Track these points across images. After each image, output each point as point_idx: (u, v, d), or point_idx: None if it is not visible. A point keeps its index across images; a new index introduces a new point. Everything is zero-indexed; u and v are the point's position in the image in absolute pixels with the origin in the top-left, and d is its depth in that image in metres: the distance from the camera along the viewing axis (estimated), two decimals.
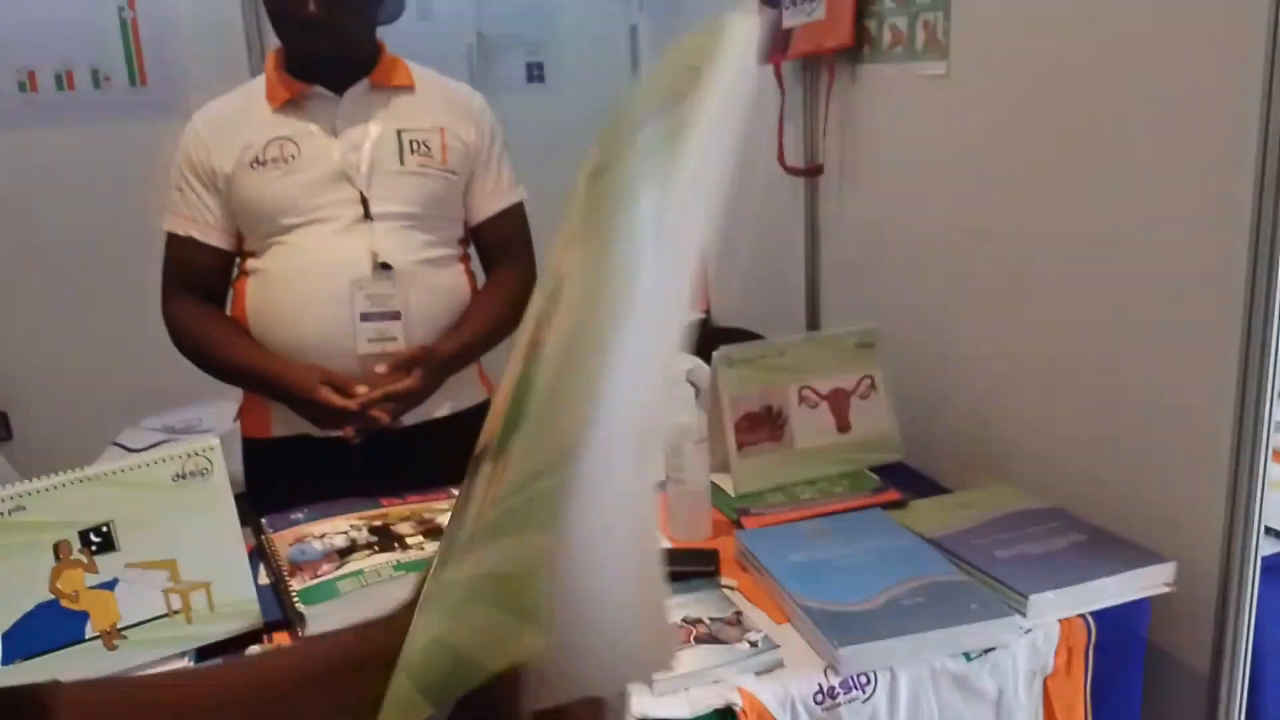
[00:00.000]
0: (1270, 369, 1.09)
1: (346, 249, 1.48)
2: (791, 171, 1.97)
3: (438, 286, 1.53)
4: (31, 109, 2.35)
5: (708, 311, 2.53)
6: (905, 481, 1.47)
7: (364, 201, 1.48)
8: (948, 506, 1.34)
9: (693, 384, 1.50)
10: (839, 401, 1.53)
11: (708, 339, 2.30)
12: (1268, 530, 1.14)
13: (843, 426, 1.52)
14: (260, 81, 1.55)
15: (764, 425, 1.48)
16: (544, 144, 2.66)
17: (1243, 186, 1.07)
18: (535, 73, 2.79)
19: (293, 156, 1.48)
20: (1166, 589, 1.14)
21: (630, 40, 2.81)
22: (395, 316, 1.49)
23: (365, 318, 1.48)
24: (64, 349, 2.46)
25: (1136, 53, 1.21)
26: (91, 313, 2.39)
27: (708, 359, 1.65)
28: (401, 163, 1.51)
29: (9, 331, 2.39)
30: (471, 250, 1.65)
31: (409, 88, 1.56)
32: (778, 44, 1.93)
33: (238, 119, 1.52)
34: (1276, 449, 1.14)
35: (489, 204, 1.61)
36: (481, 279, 1.63)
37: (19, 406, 2.53)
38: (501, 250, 1.63)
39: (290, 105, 1.50)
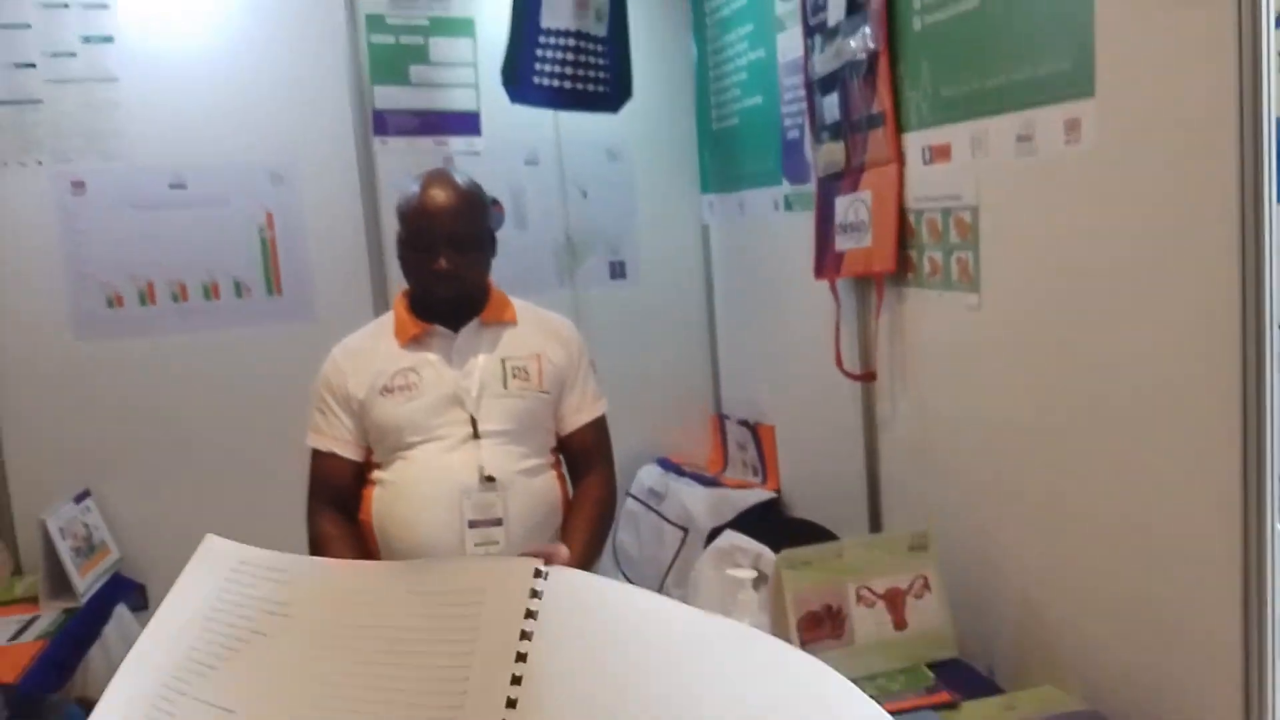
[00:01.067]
0: (1270, 601, 1.23)
1: (457, 463, 1.72)
2: (849, 376, 2.18)
3: (534, 493, 1.76)
4: (181, 316, 2.70)
5: (778, 491, 2.72)
6: (959, 677, 1.61)
7: (473, 422, 1.74)
8: (995, 709, 1.47)
9: (758, 570, 1.67)
10: (895, 600, 1.68)
11: (776, 524, 2.49)
12: None
13: (899, 624, 1.67)
14: (389, 319, 1.84)
15: (825, 623, 1.65)
16: (626, 333, 2.96)
17: (1232, 412, 1.24)
18: (618, 270, 3.09)
19: (415, 385, 1.76)
20: None
21: (702, 238, 3.11)
22: (498, 522, 1.71)
23: (472, 524, 1.71)
24: (196, 526, 2.73)
25: (1128, 271, 1.41)
26: (224, 495, 2.67)
27: (775, 544, 1.83)
28: (505, 387, 1.78)
29: (152, 513, 2.67)
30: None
31: (513, 322, 1.84)
32: (831, 263, 2.17)
33: (370, 352, 1.81)
34: None
35: (577, 417, 1.86)
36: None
37: (157, 581, 2.81)
38: (587, 457, 1.86)
39: (414, 341, 1.79)
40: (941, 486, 1.94)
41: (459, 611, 0.62)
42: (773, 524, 2.43)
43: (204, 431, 2.69)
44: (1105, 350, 1.47)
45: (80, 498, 2.52)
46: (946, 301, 1.85)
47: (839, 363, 2.19)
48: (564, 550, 1.61)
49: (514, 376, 1.79)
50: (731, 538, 2.10)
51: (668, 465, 2.96)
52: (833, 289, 2.20)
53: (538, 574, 0.63)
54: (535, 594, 0.62)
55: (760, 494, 2.68)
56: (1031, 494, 1.68)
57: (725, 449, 3.01)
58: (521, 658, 0.59)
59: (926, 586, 1.70)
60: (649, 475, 2.94)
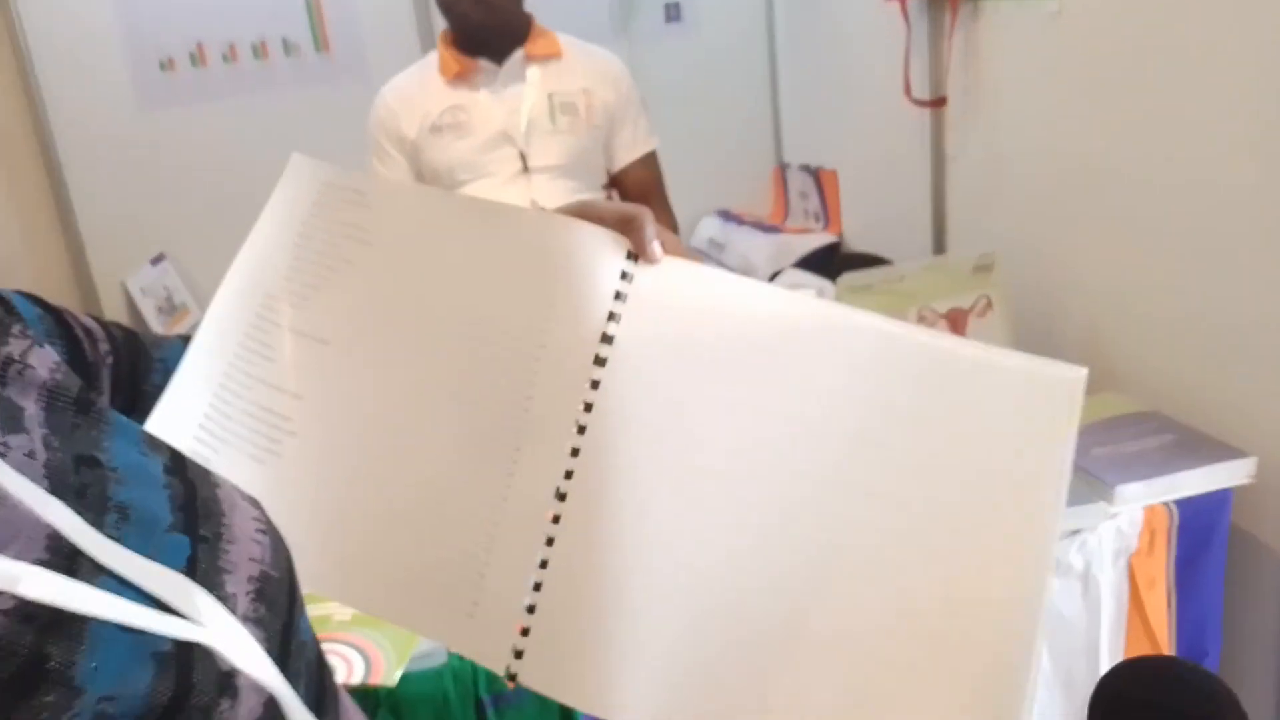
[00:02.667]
0: None
1: (510, 198, 1.72)
2: (918, 103, 2.09)
3: None
4: (234, 79, 2.67)
5: (839, 235, 2.69)
6: None
7: (523, 157, 1.72)
8: None
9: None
10: (957, 320, 1.68)
11: (838, 263, 2.47)
12: None
13: None
14: (433, 58, 1.79)
15: None
16: (683, 82, 2.85)
17: None
18: (673, 12, 2.94)
19: (464, 124, 1.73)
20: (1248, 480, 1.27)
21: None
22: None
23: None
24: None
25: None
26: None
27: (837, 280, 1.82)
28: (553, 122, 1.74)
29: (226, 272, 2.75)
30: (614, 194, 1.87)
31: (557, 56, 1.78)
32: None
33: (418, 91, 1.77)
34: None
35: (627, 153, 1.83)
36: None
37: None
38: (642, 192, 1.84)
39: (459, 78, 1.74)
40: (1010, 216, 1.89)
41: (539, 275, 0.61)
42: (835, 262, 2.41)
43: (269, 193, 2.72)
44: (1194, 67, 1.37)
45: (157, 260, 2.60)
46: (1025, 13, 1.73)
47: (907, 90, 2.09)
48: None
49: (562, 112, 1.75)
50: (792, 275, 2.10)
51: (728, 216, 2.92)
52: (903, 9, 2.07)
53: (630, 256, 0.61)
54: (625, 275, 0.61)
55: (823, 238, 2.64)
56: (1101, 219, 1.63)
57: (787, 198, 2.95)
58: (607, 339, 0.59)
59: (990, 305, 1.69)
60: (709, 227, 2.92)
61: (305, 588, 0.62)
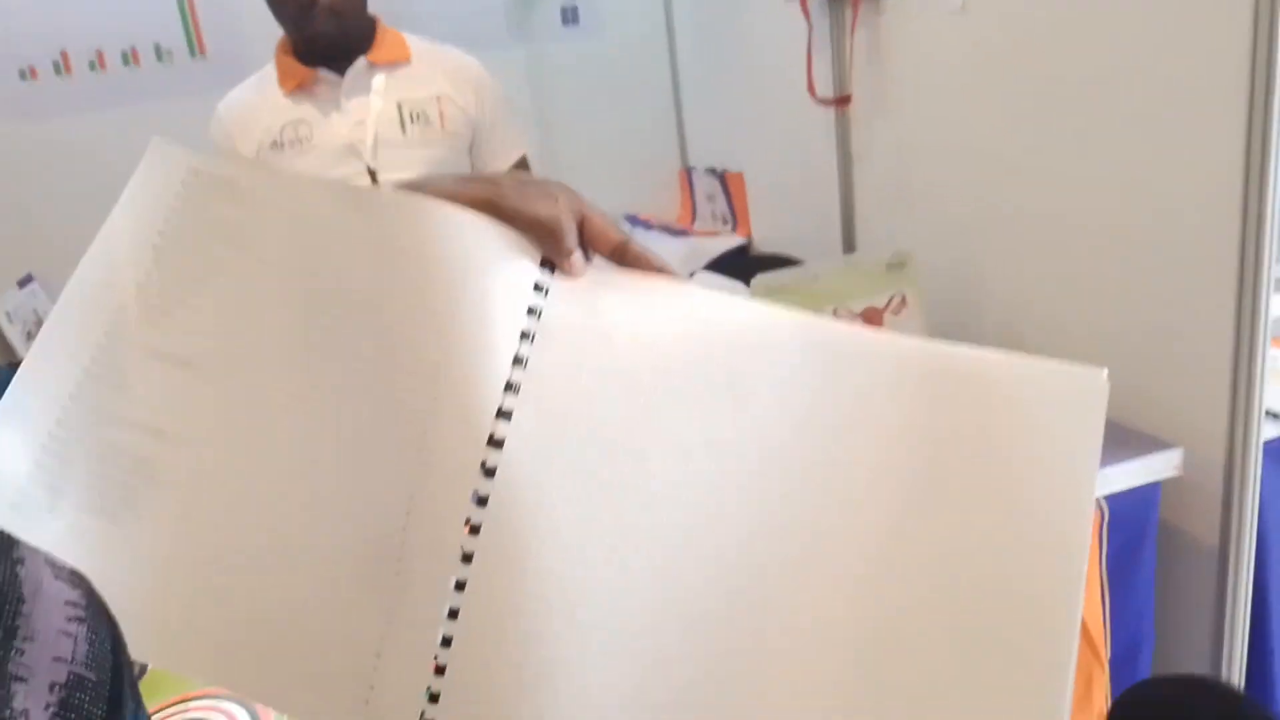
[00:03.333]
0: (1266, 264, 1.18)
1: None
2: (822, 102, 2.06)
3: None
4: (103, 88, 2.50)
5: (749, 237, 2.65)
6: None
7: (371, 174, 1.62)
8: None
9: None
10: (872, 318, 1.64)
11: (749, 265, 2.43)
12: (1269, 414, 1.25)
13: None
14: (271, 69, 1.67)
15: None
16: (584, 88, 2.78)
17: (1236, 113, 1.16)
18: (570, 15, 2.87)
19: (306, 138, 1.62)
20: (1175, 473, 1.26)
21: None
22: None
23: None
24: None
25: None
26: None
27: (749, 281, 1.77)
28: (404, 133, 1.64)
29: None
30: None
31: (405, 60, 1.67)
32: None
33: (256, 105, 1.66)
34: (1276, 336, 1.24)
35: (494, 161, 1.74)
36: None
37: None
38: None
39: (300, 89, 1.63)
40: (920, 214, 1.87)
41: (440, 294, 0.51)
42: (746, 264, 2.37)
43: None
44: (1102, 63, 1.36)
45: (24, 282, 2.41)
46: (928, 7, 1.71)
47: (811, 90, 2.06)
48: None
49: (413, 121, 1.65)
50: (704, 278, 2.04)
51: (635, 221, 2.86)
52: (804, 7, 2.04)
53: (544, 264, 0.53)
54: (539, 288, 0.52)
55: (732, 240, 2.60)
56: (1012, 215, 1.61)
57: (694, 201, 2.91)
58: (519, 362, 0.51)
59: (904, 303, 1.66)
60: None
61: (165, 667, 0.53)
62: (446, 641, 0.50)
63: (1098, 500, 1.22)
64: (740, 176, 2.65)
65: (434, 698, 0.50)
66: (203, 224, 0.54)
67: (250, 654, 0.54)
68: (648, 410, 0.51)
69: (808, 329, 0.54)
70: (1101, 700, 1.21)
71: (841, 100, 2.03)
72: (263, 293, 0.53)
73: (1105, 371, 0.50)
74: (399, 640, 0.51)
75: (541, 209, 0.51)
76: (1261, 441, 1.24)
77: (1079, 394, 0.51)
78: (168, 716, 0.89)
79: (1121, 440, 1.29)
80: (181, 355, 0.54)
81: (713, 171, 2.77)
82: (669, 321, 0.52)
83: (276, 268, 0.53)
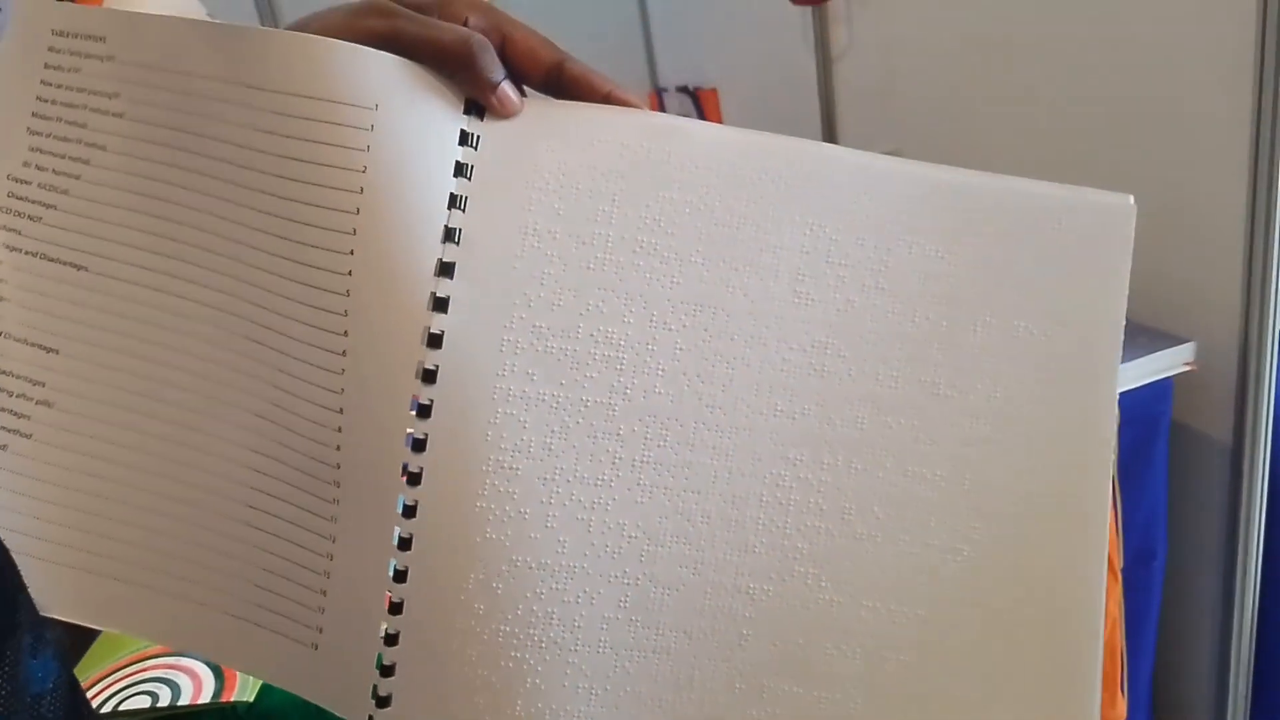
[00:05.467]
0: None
1: None
2: (797, 1, 1.94)
3: None
4: None
5: None
6: None
7: None
8: None
9: None
10: None
11: None
12: None
13: None
14: None
15: None
16: (543, 5, 2.63)
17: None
18: None
19: None
20: (1187, 368, 1.19)
21: None
22: None
23: None
24: None
25: None
26: None
27: None
28: None
29: None
30: None
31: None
32: None
33: None
34: None
35: None
36: None
37: None
38: None
39: None
40: (906, 112, 1.77)
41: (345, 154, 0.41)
42: None
43: None
44: None
45: None
46: None
47: None
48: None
49: None
50: None
51: None
52: None
53: (469, 109, 0.42)
54: (466, 139, 0.42)
55: None
56: (1010, 103, 1.52)
57: None
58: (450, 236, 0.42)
59: None
60: None
61: (73, 617, 0.45)
62: (400, 576, 0.42)
63: None
64: (714, 92, 2.53)
65: (391, 639, 0.43)
66: (77, 96, 0.45)
67: (178, 603, 0.46)
68: (620, 282, 0.42)
69: (804, 154, 0.44)
70: (1116, 610, 1.15)
71: None
72: (150, 166, 0.44)
73: (1131, 198, 0.45)
74: (345, 576, 0.43)
75: (446, 34, 0.40)
76: (1278, 331, 1.17)
77: (1106, 222, 0.45)
78: (126, 675, 0.81)
79: (1130, 335, 1.21)
80: (70, 257, 0.45)
81: (685, 90, 2.65)
82: (635, 166, 0.43)
83: (160, 134, 0.44)
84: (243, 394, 0.44)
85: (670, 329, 0.43)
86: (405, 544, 0.42)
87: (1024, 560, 0.45)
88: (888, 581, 0.44)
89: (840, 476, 0.44)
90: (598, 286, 0.42)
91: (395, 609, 0.43)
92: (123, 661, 0.77)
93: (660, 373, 0.43)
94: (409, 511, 0.42)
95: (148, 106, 0.43)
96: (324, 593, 0.44)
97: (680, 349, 0.43)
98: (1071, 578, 0.45)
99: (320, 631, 0.44)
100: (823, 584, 0.44)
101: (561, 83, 0.43)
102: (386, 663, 0.43)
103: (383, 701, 0.43)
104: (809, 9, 1.94)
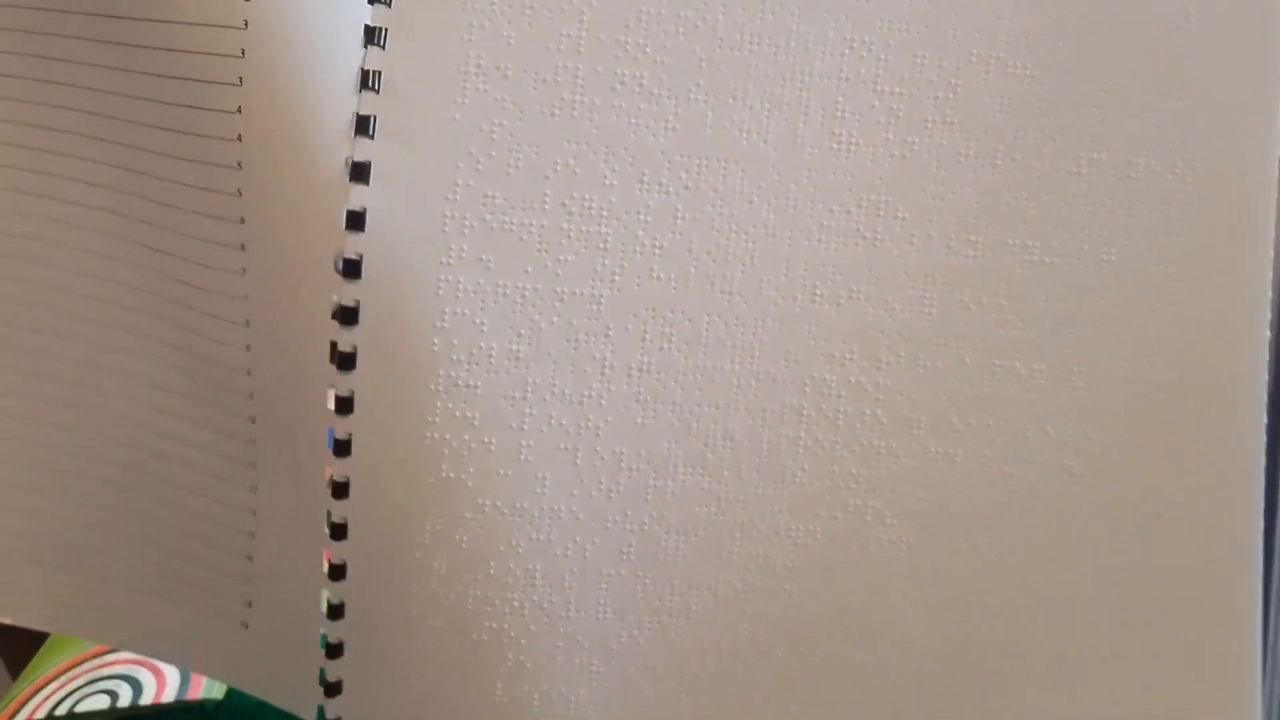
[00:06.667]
0: None
1: None
2: None
3: None
4: None
5: None
6: None
7: None
8: None
9: None
10: None
11: None
12: None
13: None
14: None
15: None
16: None
17: None
18: None
19: None
20: None
21: None
22: None
23: None
24: None
25: None
26: None
27: None
28: None
29: None
30: None
31: None
32: None
33: None
34: None
35: None
36: None
37: None
38: None
39: None
40: None
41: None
42: None
43: None
44: None
45: None
46: None
47: None
48: None
49: None
50: None
51: None
52: None
53: None
54: None
55: None
56: None
57: None
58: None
59: None
60: None
61: None
62: (339, 530, 0.33)
63: None
64: None
65: (335, 610, 0.33)
66: None
67: (76, 580, 0.37)
68: (596, 131, 0.32)
69: None
70: None
71: None
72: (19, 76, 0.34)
73: None
74: (271, 534, 0.34)
75: None
76: None
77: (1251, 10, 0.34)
78: (84, 671, 0.73)
79: None
80: None
81: None
82: None
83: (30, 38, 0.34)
84: (138, 314, 0.35)
85: (667, 191, 0.32)
86: (341, 489, 0.33)
87: (1153, 483, 0.34)
88: (973, 511, 0.33)
89: (903, 378, 0.33)
90: (567, 139, 0.32)
91: (337, 573, 0.33)
92: (80, 656, 0.69)
93: (657, 250, 0.32)
94: (342, 448, 0.33)
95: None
96: (249, 557, 0.35)
97: (681, 217, 0.32)
98: (1218, 509, 0.34)
99: (250, 606, 0.35)
100: (887, 520, 0.33)
101: None
102: (332, 641, 0.34)
103: (332, 689, 0.34)
104: None
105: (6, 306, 0.36)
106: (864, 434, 0.33)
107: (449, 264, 0.32)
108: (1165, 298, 0.34)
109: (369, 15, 0.31)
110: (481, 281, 0.32)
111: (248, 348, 0.33)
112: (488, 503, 0.33)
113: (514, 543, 0.33)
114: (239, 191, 0.32)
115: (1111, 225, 0.33)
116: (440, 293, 0.32)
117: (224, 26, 0.31)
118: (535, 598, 0.33)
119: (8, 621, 0.38)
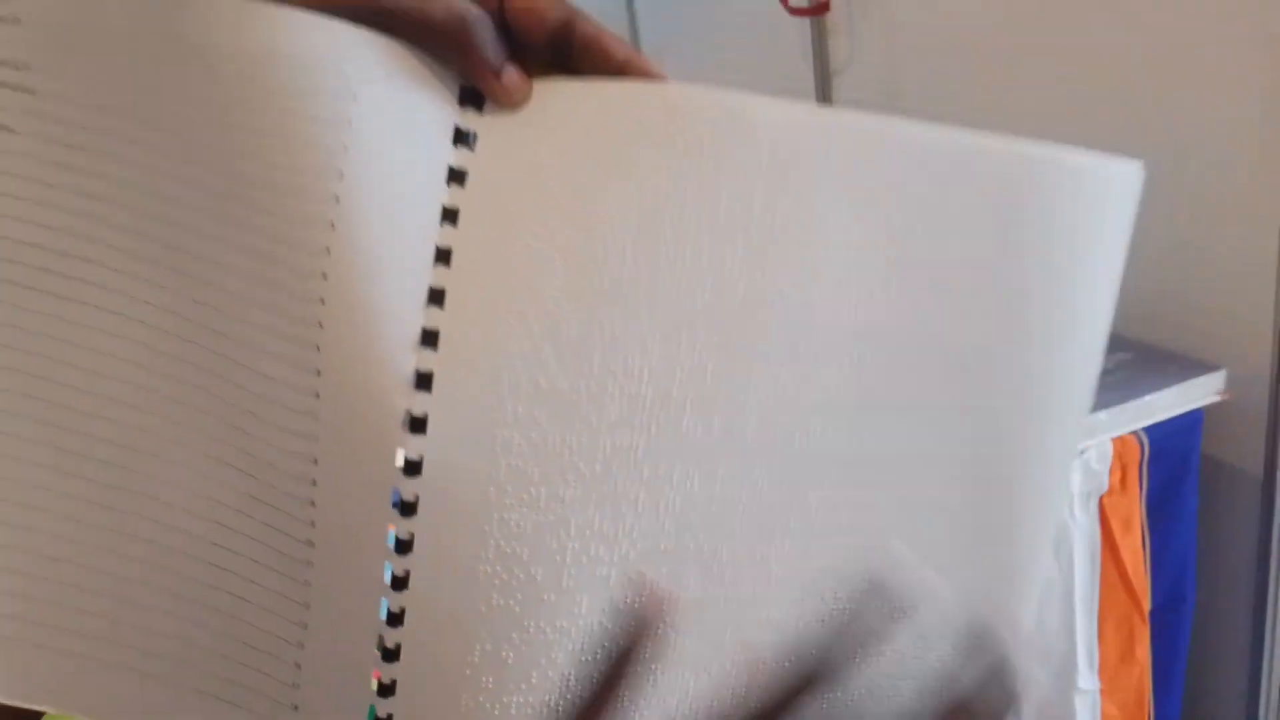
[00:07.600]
0: None
1: None
2: (796, 12, 1.88)
3: None
4: None
5: None
6: None
7: None
8: None
9: None
10: None
11: None
12: None
13: None
14: None
15: None
16: None
17: None
18: None
19: None
20: (1218, 398, 1.12)
21: None
22: None
23: None
24: None
25: None
26: None
27: None
28: None
29: None
30: None
31: None
32: None
33: None
34: None
35: None
36: None
37: None
38: None
39: None
40: None
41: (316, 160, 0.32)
42: None
43: None
44: None
45: None
46: None
47: None
48: None
49: None
50: None
51: None
52: None
53: (464, 99, 0.34)
54: (461, 138, 0.34)
55: None
56: (1024, 115, 1.46)
57: None
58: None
59: None
60: None
61: (7, 697, 0.37)
62: (391, 654, 0.34)
63: (1137, 433, 1.08)
64: None
65: (386, 690, 0.35)
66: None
67: (128, 677, 0.38)
68: (640, 301, 0.34)
69: (846, 125, 0.37)
70: (1145, 657, 1.08)
71: (819, 8, 1.85)
72: (70, 154, 0.35)
73: (1140, 164, 0.43)
74: (326, 625, 0.35)
75: (437, 7, 0.32)
76: None
77: (1114, 187, 0.43)
78: None
79: (1158, 364, 1.15)
80: None
81: None
82: (658, 155, 0.34)
83: (72, 114, 0.35)
84: (192, 431, 0.36)
85: (698, 352, 0.35)
86: (396, 619, 0.34)
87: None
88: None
89: (878, 503, 0.37)
90: (614, 307, 0.34)
91: (386, 690, 0.35)
92: None
93: (688, 405, 0.35)
94: (399, 583, 0.34)
95: (64, 81, 0.34)
96: (298, 665, 0.36)
97: (710, 375, 0.35)
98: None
99: (296, 709, 0.36)
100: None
101: (570, 45, 0.34)
102: (382, 715, 0.35)
103: None
104: (807, 20, 1.87)
105: (73, 396, 0.36)
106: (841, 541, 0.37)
107: (504, 422, 0.34)
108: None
109: (447, 194, 0.34)
110: (533, 436, 0.34)
111: (314, 483, 0.34)
112: (532, 625, 0.35)
113: (553, 656, 0.35)
114: (317, 346, 0.33)
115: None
116: (495, 448, 0.34)
117: (315, 202, 0.32)
118: (570, 696, 0.35)
119: (57, 709, 0.38)
